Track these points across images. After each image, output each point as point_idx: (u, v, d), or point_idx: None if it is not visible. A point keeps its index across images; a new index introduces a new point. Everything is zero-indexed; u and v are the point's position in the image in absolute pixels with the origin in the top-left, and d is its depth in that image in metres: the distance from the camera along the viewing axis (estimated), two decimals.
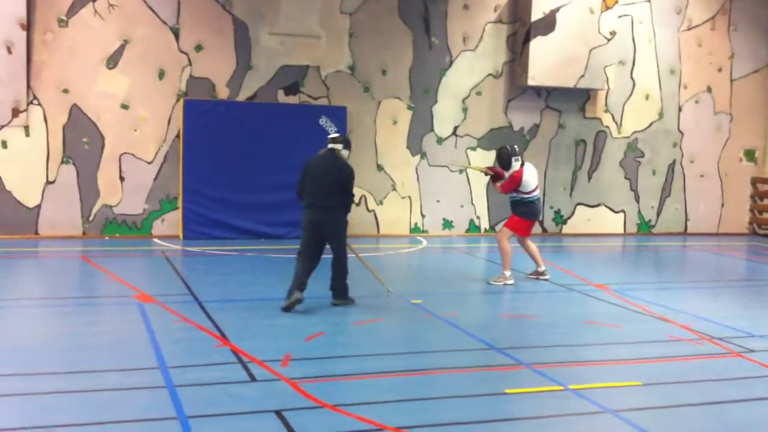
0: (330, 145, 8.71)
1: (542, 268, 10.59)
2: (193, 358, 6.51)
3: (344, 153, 8.73)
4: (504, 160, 10.22)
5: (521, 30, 14.62)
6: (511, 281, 10.17)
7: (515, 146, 10.36)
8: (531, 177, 10.22)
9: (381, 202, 14.36)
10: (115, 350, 6.72)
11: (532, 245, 10.57)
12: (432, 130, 14.57)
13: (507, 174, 10.25)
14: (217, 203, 13.10)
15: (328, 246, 8.64)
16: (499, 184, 10.37)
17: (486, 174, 10.81)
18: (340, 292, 8.78)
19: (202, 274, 10.34)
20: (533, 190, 10.25)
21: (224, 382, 5.93)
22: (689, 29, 16.02)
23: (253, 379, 6.04)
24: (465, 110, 14.73)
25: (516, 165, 10.17)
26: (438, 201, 14.71)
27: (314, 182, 8.54)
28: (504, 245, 10.25)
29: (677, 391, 6.18)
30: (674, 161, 16.21)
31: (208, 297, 8.77)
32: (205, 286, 9.39)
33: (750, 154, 16.69)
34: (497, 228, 15.01)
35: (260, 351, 6.67)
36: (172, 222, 13.23)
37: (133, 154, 13.00)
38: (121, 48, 12.80)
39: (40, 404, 5.44)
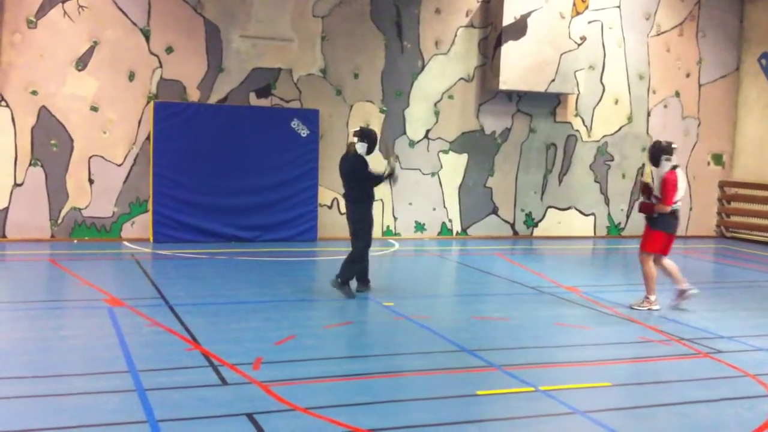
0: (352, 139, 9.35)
1: (685, 286, 9.22)
2: (163, 362, 6.47)
3: (359, 146, 9.20)
4: (652, 155, 9.05)
5: (493, 34, 14.70)
6: (657, 306, 9.14)
7: (672, 144, 9.14)
8: (682, 184, 9.04)
9: None
10: (84, 354, 6.65)
11: (671, 263, 9.31)
12: (404, 133, 14.60)
13: (657, 174, 9.06)
14: (187, 206, 13.01)
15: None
16: (655, 205, 9.02)
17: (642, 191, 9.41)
18: (340, 280, 9.09)
19: (173, 277, 10.27)
20: (678, 199, 9.07)
21: (195, 386, 5.91)
22: (658, 35, 16.21)
23: (224, 382, 6.01)
24: (437, 113, 14.78)
25: (666, 165, 8.96)
26: (410, 204, 14.74)
27: (341, 178, 9.35)
28: (647, 269, 9.14)
29: (646, 392, 6.25)
30: (643, 165, 16.37)
31: (178, 300, 8.71)
32: (175, 290, 9.31)
33: (717, 158, 16.92)
34: (470, 231, 15.09)
35: (231, 354, 6.65)
36: (142, 225, 13.12)
37: (102, 157, 12.88)
38: (91, 49, 12.68)
39: (7, 409, 5.37)
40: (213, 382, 6.02)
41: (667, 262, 9.23)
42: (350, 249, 9.37)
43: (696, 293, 9.18)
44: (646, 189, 9.31)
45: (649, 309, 9.11)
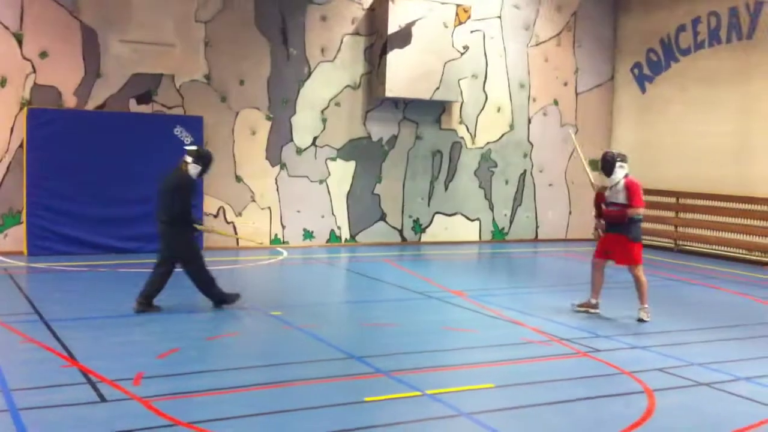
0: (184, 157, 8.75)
1: (596, 301, 9.43)
2: (38, 380, 6.18)
3: (192, 167, 8.67)
4: (608, 164, 9.12)
5: (378, 42, 14.82)
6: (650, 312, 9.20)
7: (622, 153, 9.34)
8: None
9: (240, 214, 14.15)
10: None
11: (603, 277, 9.46)
12: (291, 140, 14.51)
13: (612, 183, 9.17)
14: (65, 217, 12.50)
15: None
16: (628, 209, 9.01)
17: (595, 190, 9.53)
18: (214, 301, 8.89)
19: (49, 291, 9.85)
20: None
21: (72, 404, 5.66)
22: (537, 45, 16.73)
23: (102, 399, 5.79)
24: (324, 121, 14.75)
25: (620, 172, 9.11)
26: (298, 211, 14.65)
27: (157, 195, 8.66)
28: (644, 280, 9.12)
29: (528, 392, 6.40)
30: (525, 171, 16.85)
31: (54, 316, 8.34)
32: (51, 304, 8.92)
33: (594, 164, 17.55)
34: (358, 238, 15.12)
35: (110, 370, 6.40)
36: (15, 237, 12.51)
37: None
38: None
39: None
40: (91, 399, 5.78)
41: (602, 274, 9.39)
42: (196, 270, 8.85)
43: (597, 314, 9.29)
44: (600, 198, 9.37)
45: (647, 316, 9.09)
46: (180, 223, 8.57)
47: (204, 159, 8.79)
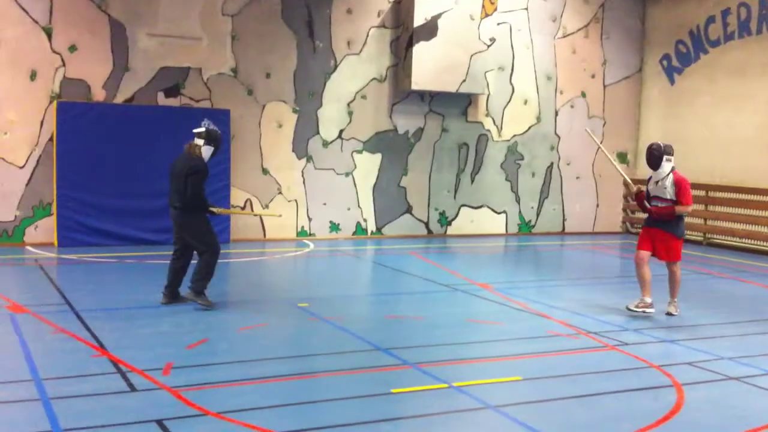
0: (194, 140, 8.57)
1: (650, 299, 8.90)
2: (69, 370, 6.25)
3: (205, 150, 8.50)
4: (654, 157, 8.83)
5: (404, 35, 14.79)
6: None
7: (670, 145, 8.98)
8: None
9: (267, 206, 14.21)
10: None
11: (649, 271, 8.99)
12: (318, 133, 14.54)
13: (659, 177, 8.86)
14: (94, 209, 12.63)
15: None
16: (676, 207, 8.76)
17: (627, 186, 9.32)
18: (193, 291, 8.51)
19: (79, 282, 9.96)
20: None
21: (102, 393, 5.72)
22: (564, 37, 16.61)
23: (132, 389, 5.85)
24: (350, 114, 14.77)
25: (668, 166, 8.82)
26: (324, 204, 14.69)
27: (169, 181, 8.53)
28: (680, 276, 9.05)
29: (555, 385, 6.37)
30: (552, 164, 16.76)
31: (84, 306, 8.44)
32: (81, 295, 9.03)
33: (622, 157, 17.44)
34: (384, 231, 15.13)
35: (140, 360, 6.47)
36: (46, 229, 12.67)
37: (2, 159, 12.38)
38: None
39: None
40: (121, 388, 5.84)
41: (649, 268, 8.99)
42: (202, 255, 8.57)
43: (651, 313, 8.89)
44: (641, 194, 9.10)
45: (676, 311, 9.03)
46: (193, 208, 8.45)
47: (215, 140, 8.55)
